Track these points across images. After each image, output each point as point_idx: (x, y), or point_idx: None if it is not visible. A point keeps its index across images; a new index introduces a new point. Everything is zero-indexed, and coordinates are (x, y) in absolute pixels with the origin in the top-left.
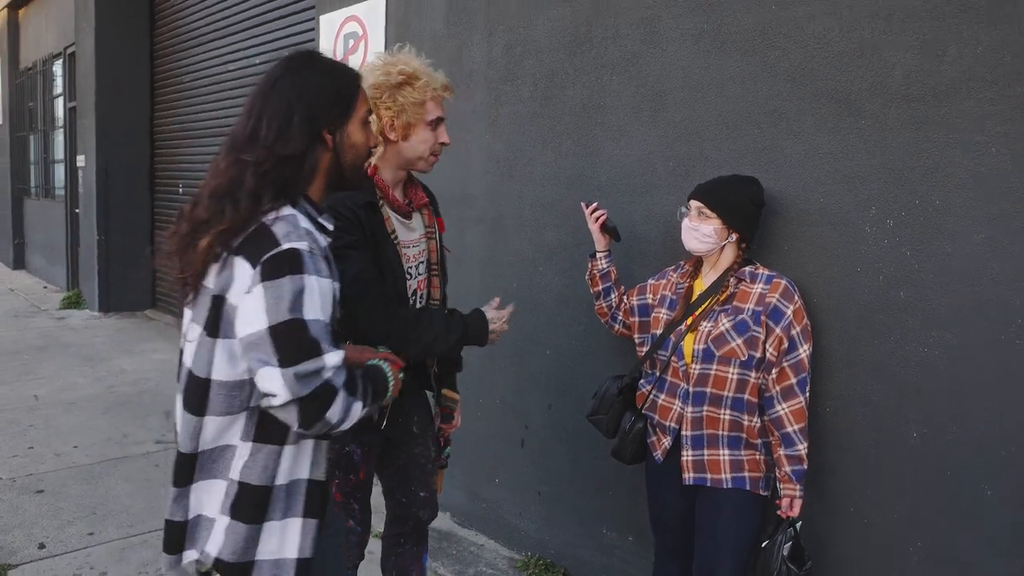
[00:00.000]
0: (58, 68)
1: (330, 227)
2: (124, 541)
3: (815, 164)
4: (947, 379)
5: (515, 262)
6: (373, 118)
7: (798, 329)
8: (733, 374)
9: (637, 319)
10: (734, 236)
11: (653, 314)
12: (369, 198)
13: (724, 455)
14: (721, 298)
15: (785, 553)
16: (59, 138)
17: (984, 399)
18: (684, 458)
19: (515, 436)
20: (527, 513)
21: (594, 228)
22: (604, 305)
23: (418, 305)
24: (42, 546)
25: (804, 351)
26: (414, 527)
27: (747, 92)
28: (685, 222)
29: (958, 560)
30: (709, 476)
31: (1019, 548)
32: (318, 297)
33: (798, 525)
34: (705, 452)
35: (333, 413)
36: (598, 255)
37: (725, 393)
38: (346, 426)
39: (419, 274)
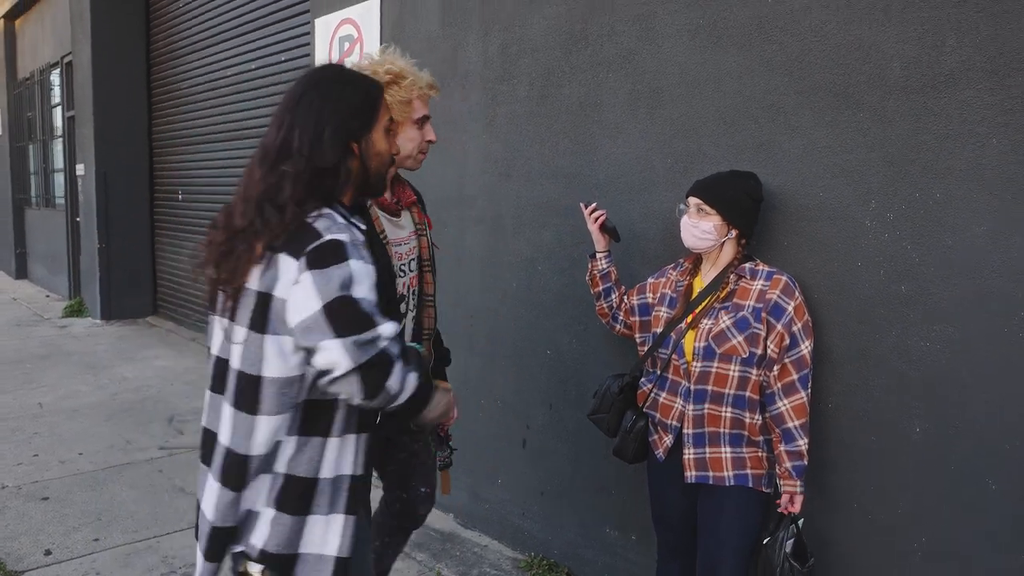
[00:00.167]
0: (56, 78)
1: (363, 227)
2: (129, 547)
3: (814, 158)
4: (949, 373)
5: (514, 262)
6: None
7: (799, 325)
8: (734, 371)
9: (638, 318)
10: (734, 232)
11: (654, 313)
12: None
13: (726, 453)
14: (721, 295)
15: (787, 550)
16: (58, 147)
17: (986, 392)
18: (686, 456)
19: (516, 436)
20: (529, 513)
21: (593, 228)
22: (605, 305)
23: (411, 301)
24: (48, 552)
25: (806, 347)
26: (412, 524)
27: (744, 87)
28: (684, 219)
29: (960, 555)
30: (711, 474)
31: (1022, 543)
32: (365, 279)
33: (800, 522)
34: (707, 450)
35: (393, 382)
36: (598, 255)
37: (726, 391)
38: (403, 398)
39: (410, 271)
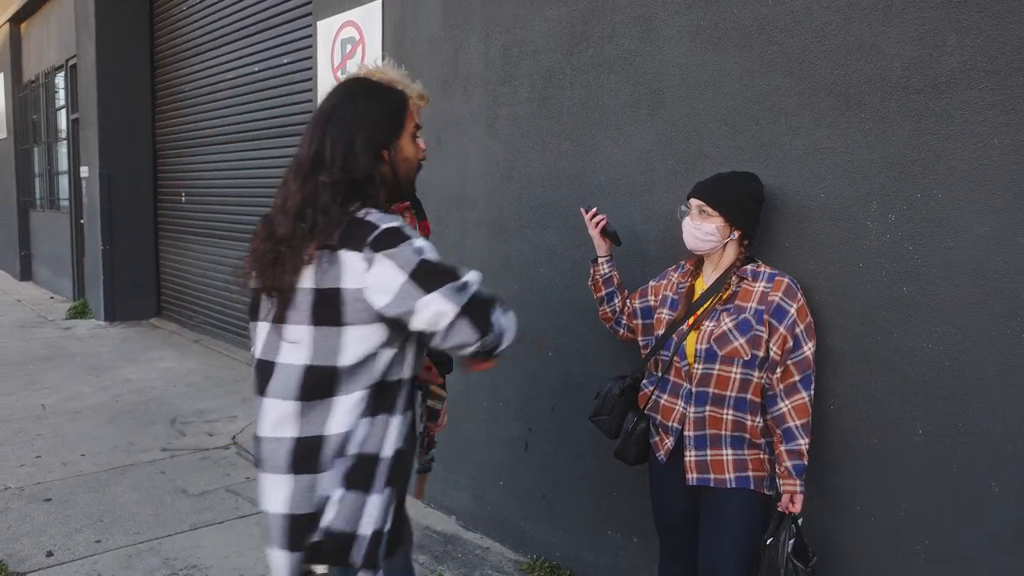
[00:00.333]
0: (60, 80)
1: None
2: (131, 548)
3: (815, 159)
4: (952, 374)
5: (516, 264)
6: None
7: (802, 327)
8: (736, 374)
9: (640, 322)
10: (736, 233)
11: (656, 315)
12: None
13: (727, 455)
14: (723, 297)
15: (789, 550)
16: (63, 150)
17: (989, 394)
18: (687, 459)
19: (519, 439)
20: (532, 516)
21: (594, 233)
22: (608, 310)
23: None
24: (50, 554)
25: (808, 349)
26: None
27: (745, 88)
28: (686, 221)
29: (963, 556)
30: (713, 476)
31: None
32: (431, 250)
33: (800, 521)
34: (708, 452)
35: (496, 318)
36: (599, 260)
37: (728, 393)
38: (508, 339)
39: None
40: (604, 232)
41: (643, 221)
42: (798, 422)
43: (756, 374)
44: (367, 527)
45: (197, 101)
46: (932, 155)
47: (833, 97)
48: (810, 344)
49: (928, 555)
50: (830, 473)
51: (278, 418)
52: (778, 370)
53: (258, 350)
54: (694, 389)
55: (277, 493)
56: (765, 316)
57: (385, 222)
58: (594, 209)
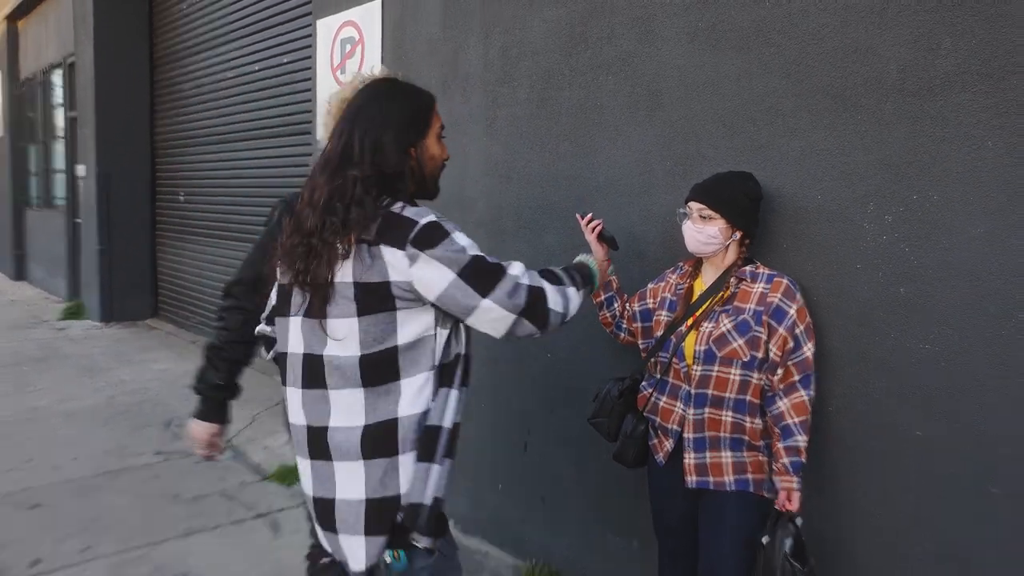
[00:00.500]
0: (58, 78)
1: None
2: (120, 556)
3: (812, 161)
4: (948, 375)
5: None
6: None
7: (801, 328)
8: (735, 375)
9: (640, 324)
10: (738, 234)
11: (655, 318)
12: None
13: (727, 457)
14: (723, 296)
15: (786, 550)
16: (59, 148)
17: (986, 394)
18: (686, 461)
19: (517, 441)
20: (531, 520)
21: (591, 239)
22: (608, 315)
23: None
24: (36, 562)
25: (808, 349)
26: None
27: (743, 90)
28: (687, 224)
29: (960, 557)
30: (712, 479)
31: (1022, 546)
32: (473, 245)
33: (798, 521)
34: (707, 455)
35: (554, 303)
36: None
37: (727, 395)
38: (573, 310)
39: None
40: (601, 237)
41: (641, 222)
42: (796, 419)
43: (755, 375)
44: (430, 496)
45: (196, 100)
46: (928, 157)
47: (830, 99)
48: (810, 344)
49: (927, 556)
50: (829, 474)
51: (346, 407)
52: (779, 371)
53: (290, 344)
54: (693, 391)
55: (352, 481)
56: (764, 317)
57: (423, 217)
58: (590, 215)
